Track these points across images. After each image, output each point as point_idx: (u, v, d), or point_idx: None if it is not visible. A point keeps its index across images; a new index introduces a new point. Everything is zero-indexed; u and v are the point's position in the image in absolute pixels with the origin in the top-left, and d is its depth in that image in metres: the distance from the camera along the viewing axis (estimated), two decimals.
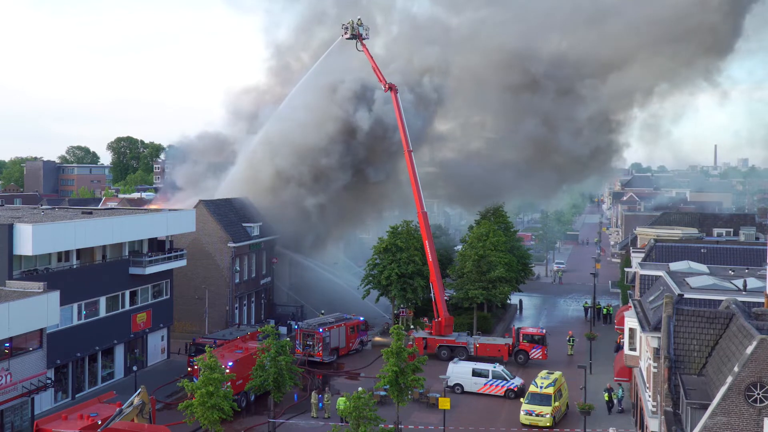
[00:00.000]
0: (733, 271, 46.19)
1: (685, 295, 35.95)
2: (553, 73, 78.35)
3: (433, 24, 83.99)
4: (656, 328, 32.98)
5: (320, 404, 47.04)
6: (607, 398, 47.00)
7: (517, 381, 50.56)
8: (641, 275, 47.68)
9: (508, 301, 75.68)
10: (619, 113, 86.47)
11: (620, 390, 47.80)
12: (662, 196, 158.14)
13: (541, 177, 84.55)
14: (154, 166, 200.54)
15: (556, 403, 44.81)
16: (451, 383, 48.77)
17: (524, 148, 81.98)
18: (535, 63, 78.05)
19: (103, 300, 50.01)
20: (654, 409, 32.91)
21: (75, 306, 47.25)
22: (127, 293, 52.73)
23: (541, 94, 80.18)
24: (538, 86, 79.69)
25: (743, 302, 31.98)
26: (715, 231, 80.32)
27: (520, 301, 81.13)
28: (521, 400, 46.58)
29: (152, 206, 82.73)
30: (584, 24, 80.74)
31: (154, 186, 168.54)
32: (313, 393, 47.53)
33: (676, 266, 47.48)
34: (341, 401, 40.70)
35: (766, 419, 23.73)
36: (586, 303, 76.18)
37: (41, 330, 39.95)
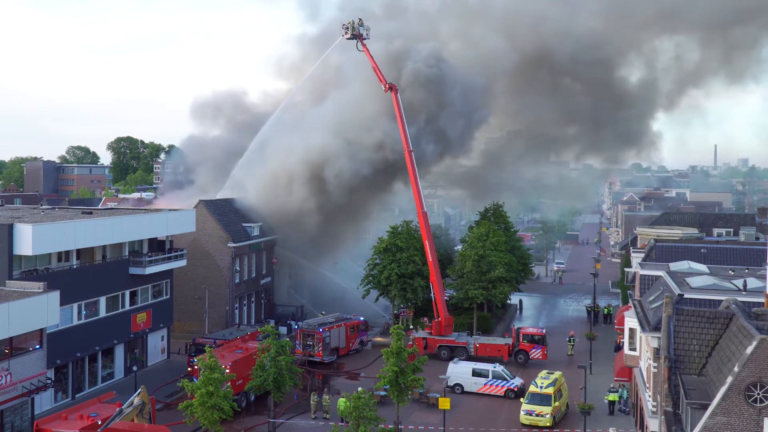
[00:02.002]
0: (733, 271, 46.16)
1: (685, 295, 35.93)
2: (589, 59, 76.23)
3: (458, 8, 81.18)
4: (656, 328, 32.97)
5: (320, 404, 47.15)
6: (615, 398, 46.82)
7: (517, 381, 50.55)
8: (641, 275, 47.66)
9: (508, 301, 75.63)
10: (662, 101, 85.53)
11: (624, 390, 47.72)
12: (662, 196, 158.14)
13: (575, 175, 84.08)
14: (154, 166, 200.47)
15: (556, 403, 44.80)
16: (451, 383, 48.75)
17: (563, 144, 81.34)
18: (570, 48, 75.65)
19: (103, 300, 50.01)
20: (654, 409, 32.91)
21: (75, 306, 47.26)
22: (127, 293, 52.72)
23: (574, 81, 78.83)
24: (573, 73, 78.13)
25: (743, 302, 31.94)
26: (715, 231, 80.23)
27: (520, 301, 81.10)
28: (521, 400, 46.57)
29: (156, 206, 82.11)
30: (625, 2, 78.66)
31: (154, 186, 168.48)
32: (312, 394, 47.50)
33: (676, 266, 47.46)
34: (341, 402, 40.69)
35: (766, 419, 23.71)
36: (590, 306, 75.22)
37: (41, 330, 39.94)
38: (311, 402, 46.57)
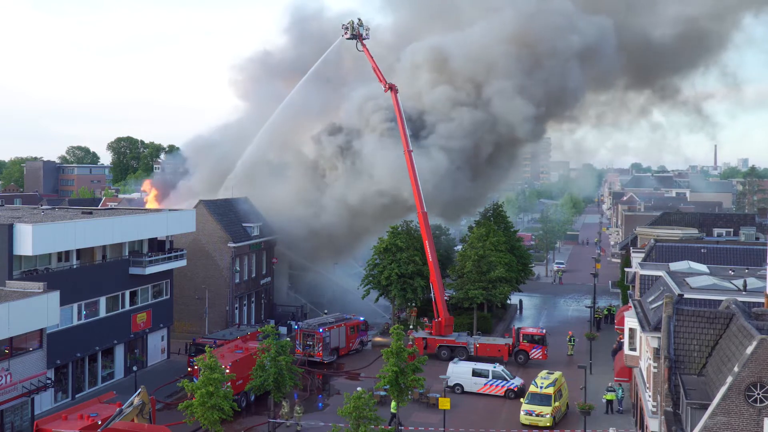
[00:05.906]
0: (733, 271, 46.18)
1: (685, 295, 35.94)
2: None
3: None
4: (656, 328, 32.99)
5: (320, 405, 47.07)
6: (612, 397, 46.86)
7: (517, 381, 50.56)
8: (641, 275, 47.66)
9: (508, 301, 75.60)
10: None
11: (620, 390, 47.78)
12: (662, 197, 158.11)
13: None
14: (154, 166, 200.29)
15: (556, 403, 44.81)
16: (451, 383, 48.74)
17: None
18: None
19: (103, 300, 50.01)
20: (654, 409, 32.93)
21: (75, 306, 47.25)
22: (127, 293, 52.71)
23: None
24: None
25: (743, 302, 31.99)
26: (715, 231, 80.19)
27: (520, 301, 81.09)
28: (521, 400, 46.58)
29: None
30: None
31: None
32: (284, 401, 44.14)
33: (676, 266, 47.47)
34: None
35: (766, 419, 23.73)
36: (598, 310, 73.17)
37: (41, 330, 39.96)
38: (282, 410, 43.97)
